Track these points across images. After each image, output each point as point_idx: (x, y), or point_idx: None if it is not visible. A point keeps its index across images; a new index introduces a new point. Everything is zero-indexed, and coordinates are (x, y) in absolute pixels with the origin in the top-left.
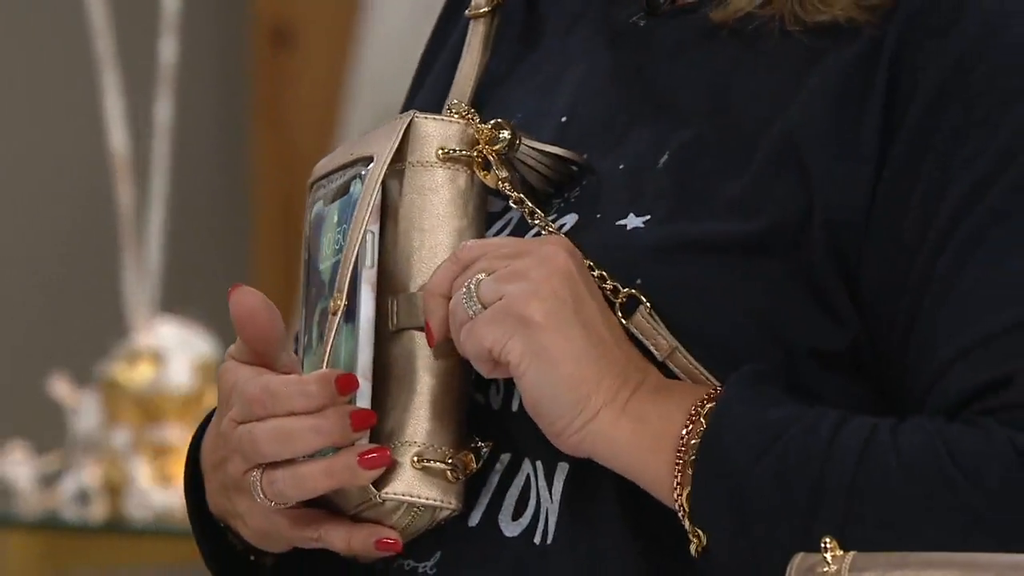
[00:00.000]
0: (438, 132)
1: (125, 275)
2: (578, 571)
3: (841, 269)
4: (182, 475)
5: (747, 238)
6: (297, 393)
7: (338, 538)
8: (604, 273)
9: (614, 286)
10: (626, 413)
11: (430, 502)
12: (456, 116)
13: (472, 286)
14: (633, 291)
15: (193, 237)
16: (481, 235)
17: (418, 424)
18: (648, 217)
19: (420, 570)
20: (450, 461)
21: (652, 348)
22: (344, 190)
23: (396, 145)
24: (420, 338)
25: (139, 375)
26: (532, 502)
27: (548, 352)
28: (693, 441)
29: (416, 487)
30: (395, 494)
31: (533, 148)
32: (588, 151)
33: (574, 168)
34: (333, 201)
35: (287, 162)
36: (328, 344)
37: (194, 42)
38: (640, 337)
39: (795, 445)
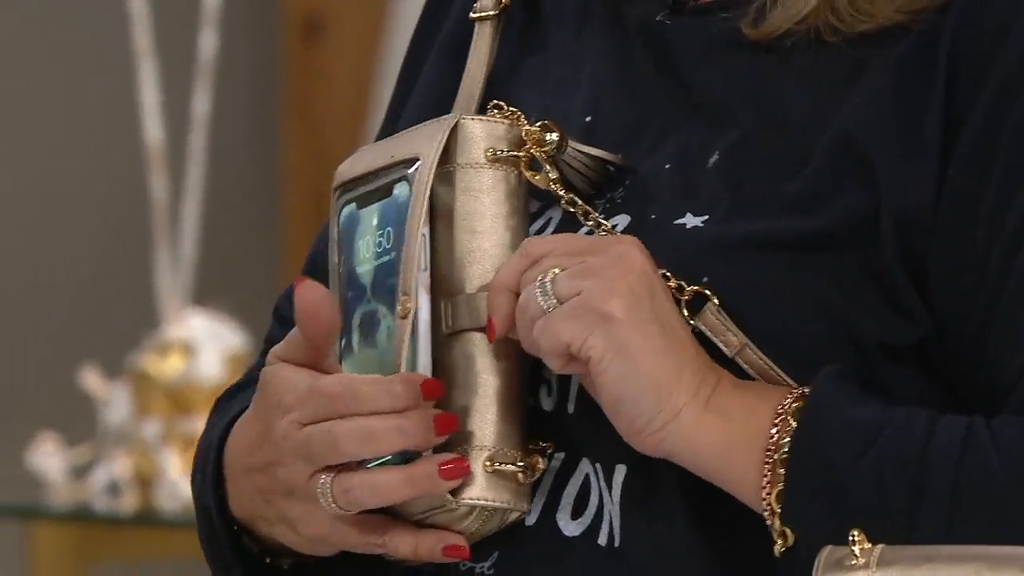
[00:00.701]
0: (485, 133)
1: (158, 267)
2: (644, 572)
3: (909, 266)
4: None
5: (811, 234)
6: (383, 393)
7: (405, 545)
8: (668, 272)
9: (679, 284)
10: (709, 411)
11: (504, 506)
12: (501, 117)
13: (547, 282)
14: (699, 289)
15: (225, 230)
16: (527, 235)
17: (486, 427)
18: (707, 217)
19: (477, 570)
20: (520, 463)
21: (721, 345)
22: (384, 192)
23: (442, 146)
24: (479, 340)
25: (170, 367)
26: (593, 502)
27: (629, 348)
28: (784, 440)
29: (490, 491)
30: (471, 500)
31: (579, 150)
32: (620, 151)
33: (611, 169)
34: (369, 204)
35: (318, 155)
36: (404, 347)
37: (228, 35)
38: (709, 334)
39: (892, 446)
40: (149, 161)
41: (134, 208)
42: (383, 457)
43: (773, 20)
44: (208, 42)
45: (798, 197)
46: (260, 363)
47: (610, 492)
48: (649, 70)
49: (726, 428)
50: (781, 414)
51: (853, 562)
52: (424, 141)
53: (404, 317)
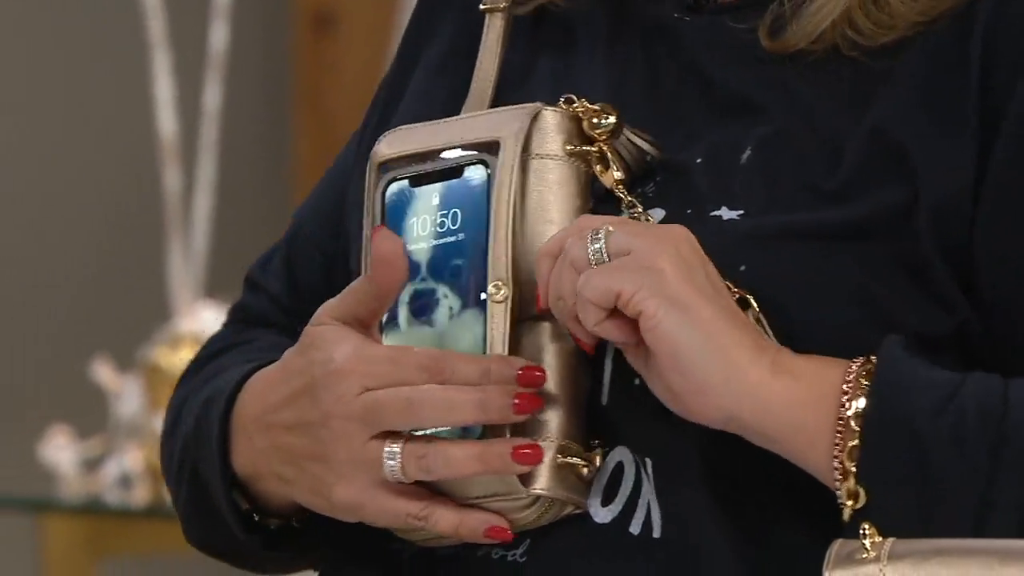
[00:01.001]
0: (563, 125)
1: (170, 260)
2: (677, 561)
3: (948, 255)
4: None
5: (848, 225)
6: (478, 371)
7: (446, 521)
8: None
9: (726, 284)
10: (777, 371)
11: (571, 500)
12: (571, 108)
13: (600, 234)
14: (743, 292)
15: (236, 222)
16: None
17: (556, 419)
18: (743, 211)
19: (509, 558)
20: (585, 459)
21: None
22: (450, 173)
23: (525, 135)
24: (549, 330)
25: (181, 360)
26: (624, 491)
27: (682, 299)
28: (858, 398)
29: (557, 484)
30: (539, 490)
31: (630, 138)
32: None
33: (649, 161)
34: (427, 183)
35: (329, 148)
36: (501, 331)
37: (239, 28)
38: None
39: (971, 400)
40: (162, 153)
41: (146, 201)
42: (437, 428)
43: (790, 37)
44: (219, 35)
45: (833, 190)
46: (224, 333)
47: (642, 482)
48: (670, 68)
49: (796, 388)
50: (851, 376)
51: (864, 555)
52: (503, 127)
53: (501, 302)
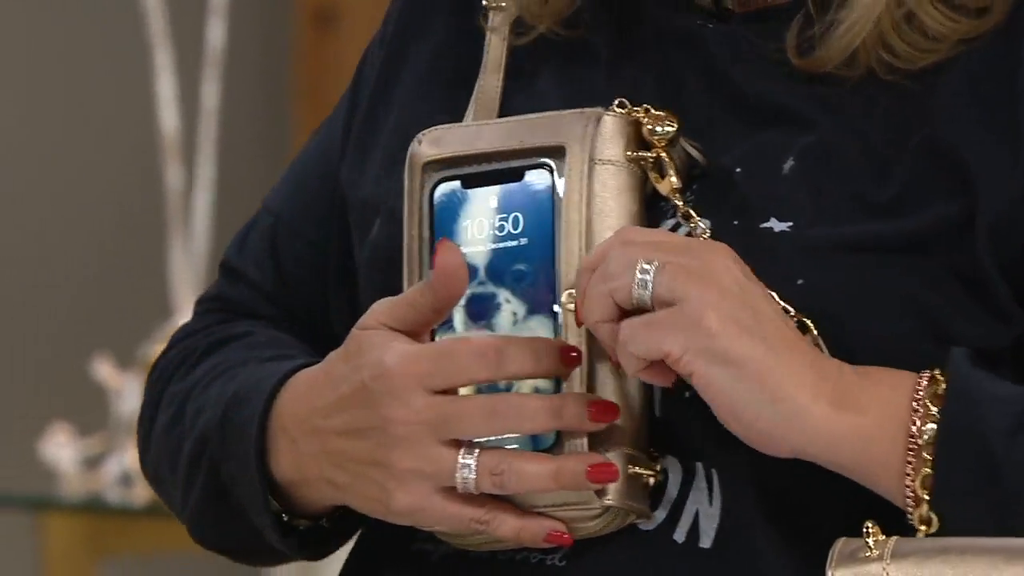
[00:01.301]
0: (623, 131)
1: (171, 257)
2: (727, 571)
3: (1005, 265)
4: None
5: (903, 237)
6: (533, 356)
7: (508, 526)
8: (772, 294)
9: (783, 307)
10: (839, 407)
11: (638, 511)
12: (631, 113)
13: (650, 274)
14: (802, 317)
15: (237, 220)
16: None
17: (628, 429)
18: (791, 223)
19: (548, 562)
20: (651, 468)
21: None
22: (509, 176)
23: (592, 141)
24: None
25: None
26: (670, 498)
27: (732, 356)
28: (928, 425)
29: (628, 495)
30: (612, 502)
31: (683, 146)
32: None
33: (696, 170)
34: (483, 185)
35: None
36: (576, 340)
37: (239, 25)
38: None
39: None
40: (163, 151)
41: (148, 197)
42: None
43: (820, 56)
44: (219, 32)
45: (885, 202)
46: (207, 322)
47: (701, 491)
48: (695, 77)
49: (861, 422)
50: (919, 400)
51: (867, 554)
52: (565, 131)
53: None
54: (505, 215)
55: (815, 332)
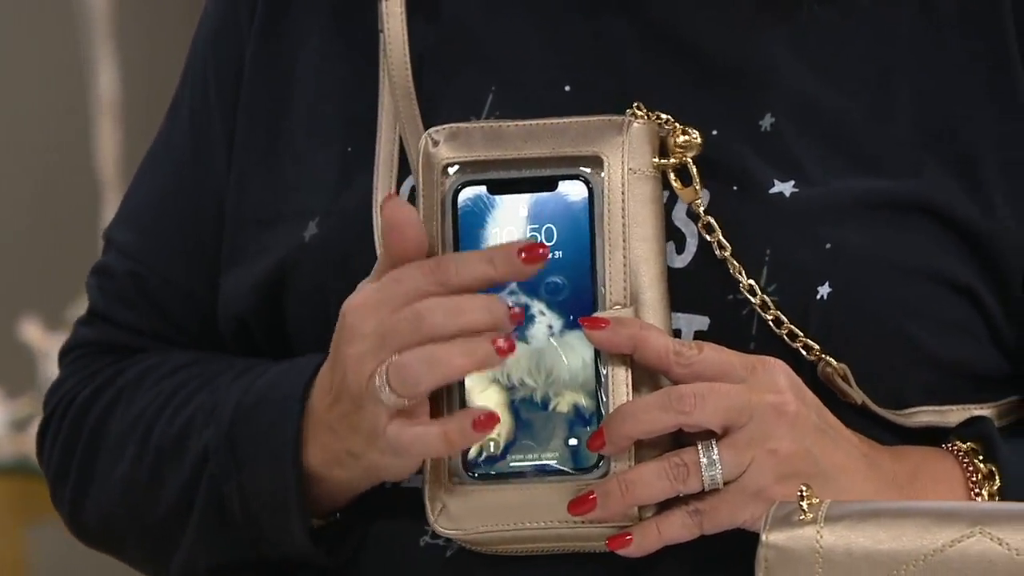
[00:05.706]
0: (650, 139)
1: (103, 218)
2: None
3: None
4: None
5: (910, 194)
6: (482, 261)
7: (436, 430)
8: (808, 342)
9: (805, 342)
10: (895, 496)
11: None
12: (657, 120)
13: (715, 454)
14: (831, 362)
15: None
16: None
17: (665, 443)
18: (793, 181)
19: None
20: None
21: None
22: (541, 185)
23: (626, 150)
24: None
25: None
26: None
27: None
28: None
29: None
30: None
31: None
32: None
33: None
34: (511, 192)
35: None
36: (622, 358)
37: None
38: (839, 394)
39: None
40: (98, 111)
41: (79, 158)
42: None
43: None
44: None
45: (882, 157)
46: (85, 325)
47: None
48: (630, 33)
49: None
50: (974, 491)
51: (801, 517)
52: (597, 140)
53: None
54: (537, 225)
55: (846, 373)
